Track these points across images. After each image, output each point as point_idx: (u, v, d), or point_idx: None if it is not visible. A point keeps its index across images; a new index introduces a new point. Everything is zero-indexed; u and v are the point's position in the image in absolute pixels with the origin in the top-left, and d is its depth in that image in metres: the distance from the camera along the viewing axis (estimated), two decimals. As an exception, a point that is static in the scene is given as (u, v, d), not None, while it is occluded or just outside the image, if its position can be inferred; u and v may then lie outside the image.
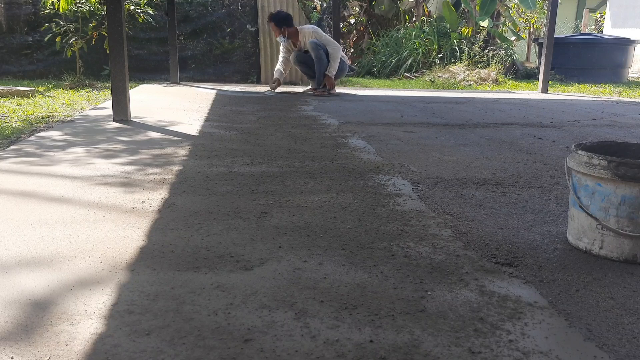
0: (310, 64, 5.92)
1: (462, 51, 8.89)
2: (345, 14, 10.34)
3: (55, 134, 3.18)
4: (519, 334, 1.15)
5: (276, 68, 6.12)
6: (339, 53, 5.83)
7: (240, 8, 7.80)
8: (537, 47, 10.23)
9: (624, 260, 1.54)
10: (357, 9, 10.64)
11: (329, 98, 5.64)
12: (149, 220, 1.75)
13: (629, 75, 10.07)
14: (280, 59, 6.09)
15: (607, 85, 8.35)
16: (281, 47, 6.08)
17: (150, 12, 6.65)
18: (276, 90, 6.02)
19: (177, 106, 4.58)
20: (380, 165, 2.62)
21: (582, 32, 12.79)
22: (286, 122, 3.91)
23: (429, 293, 1.31)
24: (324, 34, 5.93)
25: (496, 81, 8.23)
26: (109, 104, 4.17)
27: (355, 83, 7.81)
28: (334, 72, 5.88)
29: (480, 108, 5.09)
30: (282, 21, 5.80)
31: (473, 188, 2.27)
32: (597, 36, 9.78)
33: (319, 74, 5.89)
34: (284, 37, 5.86)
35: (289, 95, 5.85)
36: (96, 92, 5.55)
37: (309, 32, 5.84)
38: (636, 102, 6.26)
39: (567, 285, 1.39)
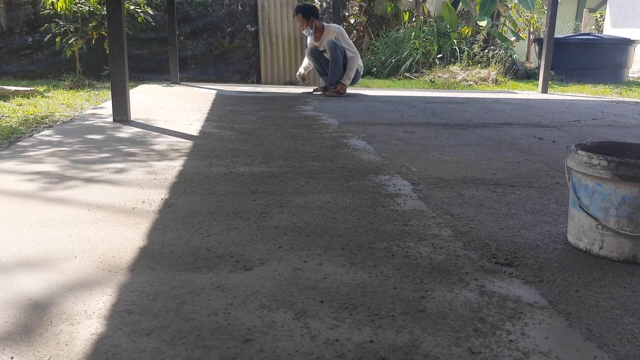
0: (323, 63, 5.82)
1: (462, 51, 8.89)
2: (346, 14, 10.34)
3: (55, 134, 3.18)
4: (519, 334, 1.15)
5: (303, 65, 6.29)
6: (356, 62, 5.71)
7: (240, 8, 7.80)
8: (537, 47, 10.23)
9: (624, 260, 1.54)
10: (357, 9, 10.64)
11: (329, 98, 5.63)
12: (149, 221, 1.75)
13: (629, 75, 10.07)
14: (305, 60, 6.19)
15: (607, 85, 8.34)
16: (306, 51, 6.04)
17: (150, 12, 6.65)
18: (286, 84, 6.51)
19: (177, 106, 4.58)
20: (380, 165, 2.62)
21: (582, 32, 12.78)
22: (286, 122, 3.91)
23: (429, 293, 1.31)
24: (348, 38, 5.82)
25: (496, 81, 8.23)
26: (108, 104, 4.17)
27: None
28: (349, 82, 5.79)
29: (480, 108, 5.09)
30: (309, 12, 5.67)
31: (473, 188, 2.27)
32: (597, 36, 9.78)
33: (332, 76, 5.74)
34: (311, 29, 5.72)
35: (289, 95, 5.84)
36: (96, 92, 5.55)
37: (334, 31, 5.71)
38: (636, 102, 6.26)
39: (567, 285, 1.39)
